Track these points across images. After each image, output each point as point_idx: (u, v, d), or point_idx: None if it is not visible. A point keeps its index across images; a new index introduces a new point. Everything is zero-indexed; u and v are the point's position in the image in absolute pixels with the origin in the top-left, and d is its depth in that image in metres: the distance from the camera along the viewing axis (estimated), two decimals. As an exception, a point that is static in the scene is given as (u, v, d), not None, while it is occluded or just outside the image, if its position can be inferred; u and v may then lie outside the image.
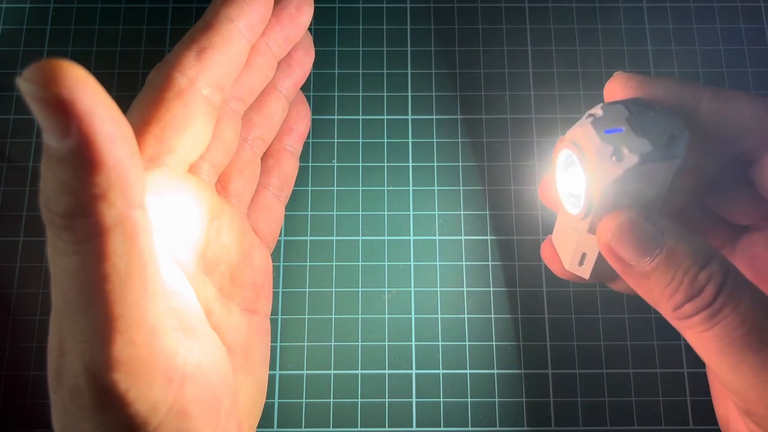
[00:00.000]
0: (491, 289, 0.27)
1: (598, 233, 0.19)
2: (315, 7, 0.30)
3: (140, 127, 0.19)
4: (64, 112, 0.13)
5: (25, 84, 0.13)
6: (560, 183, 0.21)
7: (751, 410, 0.17)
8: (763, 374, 0.16)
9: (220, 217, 0.22)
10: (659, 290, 0.17)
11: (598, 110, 0.19)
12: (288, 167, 0.26)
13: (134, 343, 0.15)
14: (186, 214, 0.20)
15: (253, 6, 0.21)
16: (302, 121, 0.27)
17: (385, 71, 0.30)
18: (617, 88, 0.19)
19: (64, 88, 0.13)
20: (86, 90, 0.13)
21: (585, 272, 0.22)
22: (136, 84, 0.29)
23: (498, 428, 0.26)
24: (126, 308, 0.15)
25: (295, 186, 0.27)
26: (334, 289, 0.27)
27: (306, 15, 0.24)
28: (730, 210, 0.22)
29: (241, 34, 0.21)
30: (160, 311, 0.16)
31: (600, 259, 0.21)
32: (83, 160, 0.14)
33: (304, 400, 0.26)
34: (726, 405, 0.22)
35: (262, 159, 0.25)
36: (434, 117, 0.29)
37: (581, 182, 0.19)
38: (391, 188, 0.28)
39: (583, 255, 0.21)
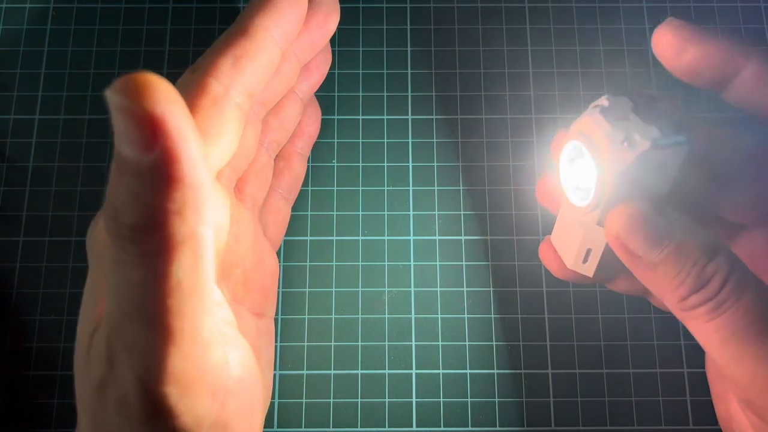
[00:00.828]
0: (491, 289, 0.27)
1: (607, 225, 0.19)
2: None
3: None
4: (152, 127, 0.13)
5: (114, 95, 0.13)
6: (564, 177, 0.21)
7: (752, 401, 0.17)
8: (765, 364, 0.16)
9: (238, 222, 0.22)
10: (666, 282, 0.17)
11: (603, 101, 0.19)
12: (297, 169, 0.26)
13: (188, 357, 0.15)
14: (214, 221, 0.20)
15: (290, 14, 0.21)
16: (314, 124, 0.27)
17: (385, 71, 0.30)
18: (668, 36, 0.19)
19: (156, 103, 0.13)
20: (176, 108, 0.13)
21: (589, 270, 0.21)
22: (136, 84, 0.29)
23: (498, 428, 0.26)
24: (184, 322, 0.15)
25: (295, 186, 0.27)
26: (334, 289, 0.27)
27: (333, 23, 0.24)
28: (728, 209, 0.22)
29: (275, 43, 0.21)
30: (213, 325, 0.16)
31: (605, 255, 0.21)
32: (164, 175, 0.14)
33: (304, 400, 0.26)
34: (727, 401, 0.22)
35: (273, 161, 0.25)
36: (434, 117, 0.29)
37: (590, 173, 0.19)
38: (391, 188, 0.28)
39: (588, 251, 0.21)
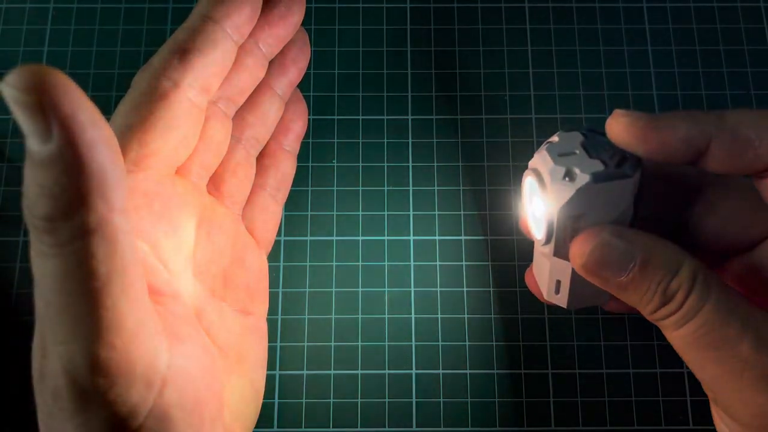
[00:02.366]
0: (491, 289, 0.27)
1: (572, 256, 0.19)
2: (315, 7, 0.30)
3: (124, 131, 0.19)
4: (45, 117, 0.13)
5: (6, 88, 0.13)
6: (528, 210, 0.21)
7: (716, 399, 0.19)
8: (722, 368, 0.18)
9: (210, 219, 0.22)
10: (636, 298, 0.19)
11: (555, 138, 0.20)
12: (285, 167, 0.26)
13: (113, 346, 0.15)
14: (173, 216, 0.20)
15: (239, 7, 0.21)
16: (299, 120, 0.26)
17: (385, 71, 0.30)
18: (620, 130, 0.19)
19: (45, 93, 0.13)
20: (67, 95, 0.14)
21: (563, 300, 0.22)
22: (136, 84, 0.29)
23: (498, 428, 0.26)
24: (105, 311, 0.15)
25: (295, 186, 0.27)
26: (334, 289, 0.27)
27: (297, 14, 0.23)
28: (704, 239, 0.22)
29: (226, 36, 0.21)
30: (142, 315, 0.16)
31: (574, 286, 0.21)
32: (63, 164, 0.14)
33: (304, 400, 0.26)
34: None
35: (258, 159, 0.25)
36: (434, 117, 0.29)
37: (542, 207, 0.20)
38: (391, 188, 0.28)
39: (558, 282, 0.22)
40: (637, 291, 0.18)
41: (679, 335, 0.18)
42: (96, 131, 0.14)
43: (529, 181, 0.21)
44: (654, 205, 0.22)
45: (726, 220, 0.21)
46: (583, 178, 0.18)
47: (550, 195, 0.19)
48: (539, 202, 0.20)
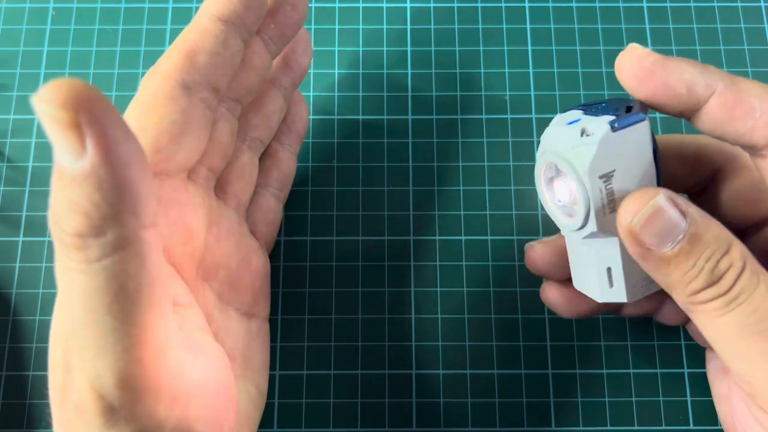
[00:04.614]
0: (491, 289, 0.27)
1: (620, 216, 0.18)
2: (315, 7, 0.30)
3: (137, 135, 0.19)
4: (79, 133, 0.13)
5: (40, 104, 0.13)
6: (549, 200, 0.20)
7: (756, 395, 0.17)
8: None
9: (219, 222, 0.22)
10: (678, 275, 0.17)
11: (555, 119, 0.20)
12: (286, 167, 0.26)
13: (141, 362, 0.15)
14: (186, 222, 0.20)
15: (248, 6, 0.21)
16: (300, 120, 0.26)
17: (385, 71, 0.30)
18: (629, 66, 0.18)
19: (80, 109, 0.13)
20: (101, 112, 0.13)
21: (620, 293, 0.20)
22: (136, 84, 0.29)
23: (498, 428, 0.26)
24: (134, 327, 0.15)
25: (295, 186, 0.27)
26: (334, 289, 0.27)
27: (301, 13, 0.23)
28: (720, 212, 0.22)
29: (235, 35, 0.20)
30: (167, 329, 0.16)
31: (627, 267, 0.20)
32: (97, 180, 0.13)
33: (304, 400, 0.26)
34: (730, 401, 0.22)
35: (259, 159, 0.25)
36: (434, 117, 0.29)
37: (569, 184, 0.19)
38: (391, 188, 0.28)
39: (609, 270, 0.20)
40: (681, 266, 0.17)
41: (724, 322, 0.17)
42: (128, 146, 0.14)
43: (545, 166, 0.20)
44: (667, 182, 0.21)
45: (734, 199, 0.21)
46: (600, 129, 0.17)
47: (573, 160, 0.18)
48: (562, 181, 0.19)
